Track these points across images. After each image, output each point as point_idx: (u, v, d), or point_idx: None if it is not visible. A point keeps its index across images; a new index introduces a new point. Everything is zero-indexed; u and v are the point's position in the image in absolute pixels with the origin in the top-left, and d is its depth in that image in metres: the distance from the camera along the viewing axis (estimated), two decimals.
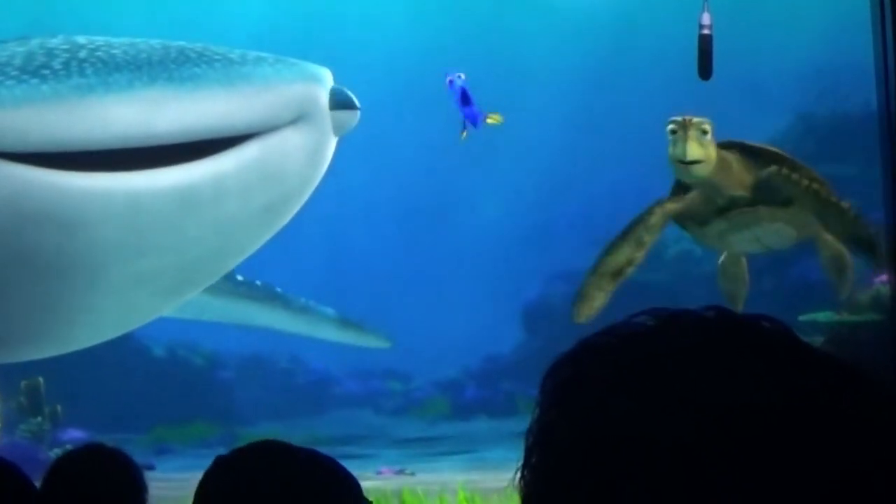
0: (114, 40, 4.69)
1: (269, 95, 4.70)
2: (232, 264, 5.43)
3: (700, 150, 5.73)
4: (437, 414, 15.34)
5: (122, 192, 4.49)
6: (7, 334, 5.17)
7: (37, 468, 3.02)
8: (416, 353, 16.38)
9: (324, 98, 4.91)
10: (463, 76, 5.84)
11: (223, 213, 4.76)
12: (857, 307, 8.66)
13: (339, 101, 4.93)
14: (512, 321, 16.19)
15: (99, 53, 4.52)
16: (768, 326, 0.97)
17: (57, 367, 9.22)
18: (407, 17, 18.88)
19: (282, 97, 4.75)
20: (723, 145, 5.95)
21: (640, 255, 6.11)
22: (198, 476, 2.09)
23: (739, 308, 6.55)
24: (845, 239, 6.04)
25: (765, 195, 5.96)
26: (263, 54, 4.87)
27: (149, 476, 3.00)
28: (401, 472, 10.37)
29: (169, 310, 5.61)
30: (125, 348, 13.08)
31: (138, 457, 3.04)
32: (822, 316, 8.90)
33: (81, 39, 4.68)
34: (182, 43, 4.75)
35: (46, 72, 4.41)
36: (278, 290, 7.93)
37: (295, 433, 12.65)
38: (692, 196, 6.04)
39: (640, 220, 6.05)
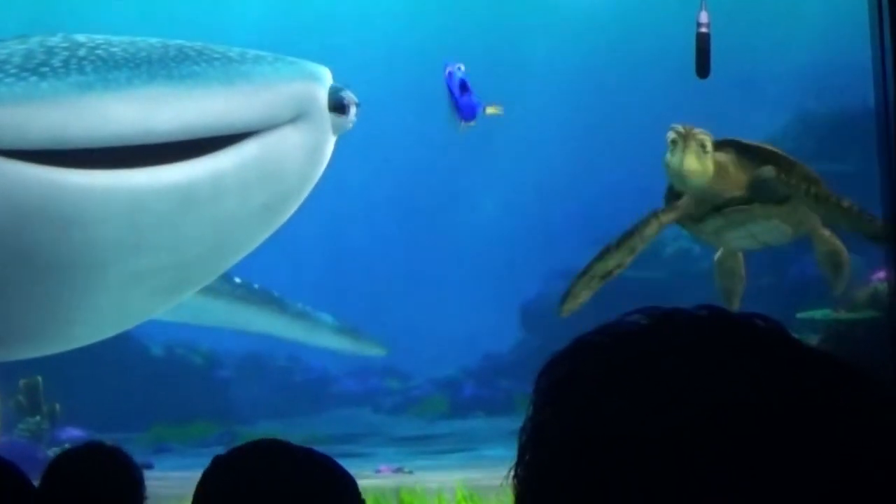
0: (113, 38, 4.70)
1: (268, 94, 4.69)
2: (230, 262, 5.43)
3: (697, 163, 5.76)
4: (436, 412, 15.34)
5: (121, 190, 4.49)
6: (5, 332, 5.17)
7: (35, 467, 3.02)
8: (415, 352, 16.38)
9: (323, 97, 4.91)
10: (462, 67, 5.83)
11: (222, 211, 4.76)
12: (855, 305, 8.67)
13: (336, 104, 4.93)
14: (510, 320, 16.19)
15: (98, 51, 4.53)
16: (762, 325, 0.97)
17: (55, 366, 9.22)
18: (406, 14, 18.88)
19: (281, 95, 4.75)
20: (718, 144, 5.96)
21: (629, 260, 6.15)
22: (196, 475, 2.09)
23: (736, 304, 6.56)
24: (860, 235, 6.05)
25: (760, 194, 5.97)
26: (263, 53, 4.87)
27: (147, 475, 3.01)
28: (399, 470, 10.37)
29: (167, 308, 5.60)
30: (124, 347, 13.09)
31: (137, 456, 3.04)
32: (820, 313, 8.91)
33: (81, 38, 4.68)
34: (181, 41, 4.75)
35: (46, 69, 4.41)
36: (275, 294, 7.90)
37: (294, 432, 12.65)
38: (686, 201, 6.06)
39: (635, 231, 6.06)
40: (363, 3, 19.18)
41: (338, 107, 4.96)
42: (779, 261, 12.11)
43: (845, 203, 5.99)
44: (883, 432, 0.92)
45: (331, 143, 5.08)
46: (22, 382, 11.04)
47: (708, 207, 6.03)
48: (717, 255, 6.72)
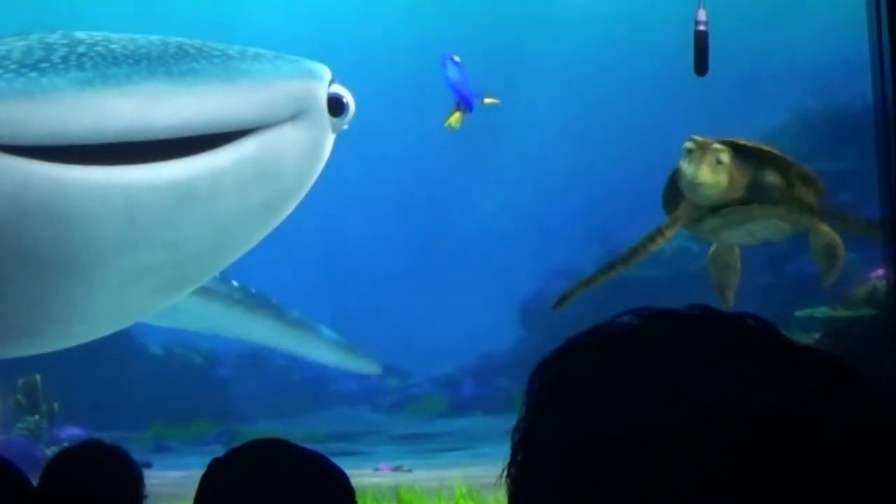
0: (112, 36, 4.70)
1: (267, 91, 4.69)
2: (229, 260, 5.43)
3: (711, 176, 5.78)
4: (435, 411, 15.35)
5: (120, 186, 4.49)
6: (2, 329, 5.17)
7: (34, 466, 3.02)
8: (414, 351, 16.39)
9: (322, 95, 4.91)
10: (457, 58, 5.83)
11: (221, 208, 4.76)
12: (853, 303, 8.68)
13: (335, 105, 4.92)
14: (509, 319, 16.20)
15: (98, 48, 4.53)
16: (753, 324, 0.98)
17: (54, 364, 9.22)
18: (406, 11, 18.88)
19: (280, 93, 4.75)
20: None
21: (627, 269, 6.19)
22: (195, 474, 2.09)
23: (730, 297, 6.57)
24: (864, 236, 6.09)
25: (758, 195, 5.97)
26: (262, 51, 4.87)
27: (146, 473, 3.00)
28: (398, 468, 10.38)
29: (166, 305, 5.60)
30: (123, 346, 13.09)
31: (136, 455, 3.04)
32: (818, 311, 8.92)
33: (80, 35, 4.69)
34: (181, 39, 4.75)
35: (45, 65, 4.41)
36: (273, 300, 7.84)
37: (293, 430, 12.65)
38: (685, 209, 6.06)
39: (642, 247, 6.07)
40: (362, 1, 19.18)
41: (336, 106, 4.96)
42: (777, 259, 12.12)
43: (839, 213, 6.01)
44: (875, 431, 0.92)
45: (330, 141, 5.08)
46: (21, 381, 11.04)
47: (706, 209, 6.04)
48: (712, 249, 6.73)
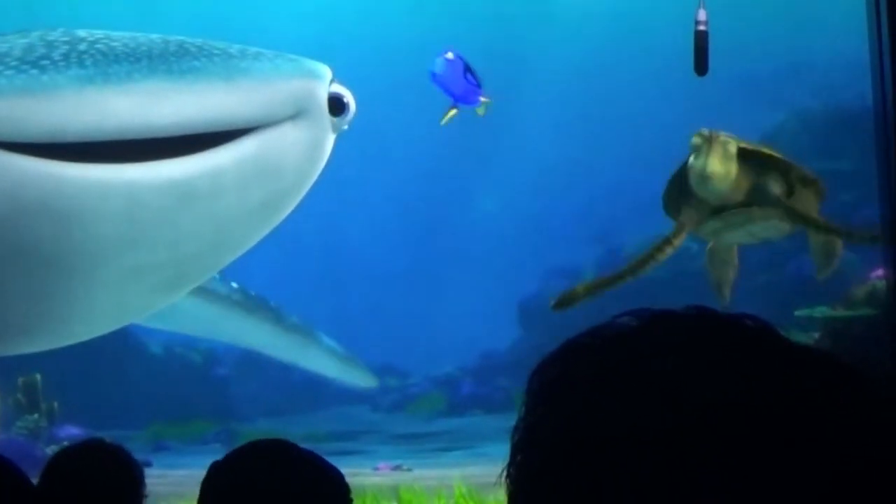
0: (113, 34, 4.70)
1: (267, 90, 4.69)
2: (228, 259, 5.42)
3: (721, 167, 5.75)
4: (434, 410, 15.35)
5: (120, 185, 4.49)
6: (2, 327, 5.17)
7: (33, 465, 3.02)
8: (413, 350, 16.40)
9: (323, 94, 4.90)
10: (450, 55, 5.81)
11: (220, 207, 4.75)
12: (853, 302, 8.68)
13: (335, 105, 4.92)
14: (509, 318, 16.20)
15: (99, 46, 4.52)
16: (751, 325, 0.98)
17: (54, 363, 9.22)
18: (406, 11, 18.88)
19: (281, 92, 4.74)
20: None
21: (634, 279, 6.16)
22: (195, 473, 2.10)
23: (727, 293, 6.57)
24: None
25: (759, 198, 5.97)
26: (263, 50, 4.87)
27: (146, 472, 3.01)
28: (398, 468, 10.38)
29: (165, 303, 5.60)
30: (122, 345, 13.09)
31: (135, 454, 3.04)
32: (818, 311, 8.92)
33: (82, 33, 4.69)
34: (182, 37, 4.75)
35: (46, 62, 4.41)
36: (272, 303, 7.78)
37: (292, 429, 12.66)
38: (687, 215, 6.05)
39: (650, 258, 6.05)
40: (362, 1, 19.18)
41: (336, 106, 4.96)
42: (777, 258, 12.12)
43: (837, 229, 6.01)
44: (875, 431, 0.93)
45: (330, 140, 5.08)
46: (20, 380, 11.04)
47: (708, 212, 6.04)
48: (710, 245, 6.73)
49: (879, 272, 7.81)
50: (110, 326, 5.69)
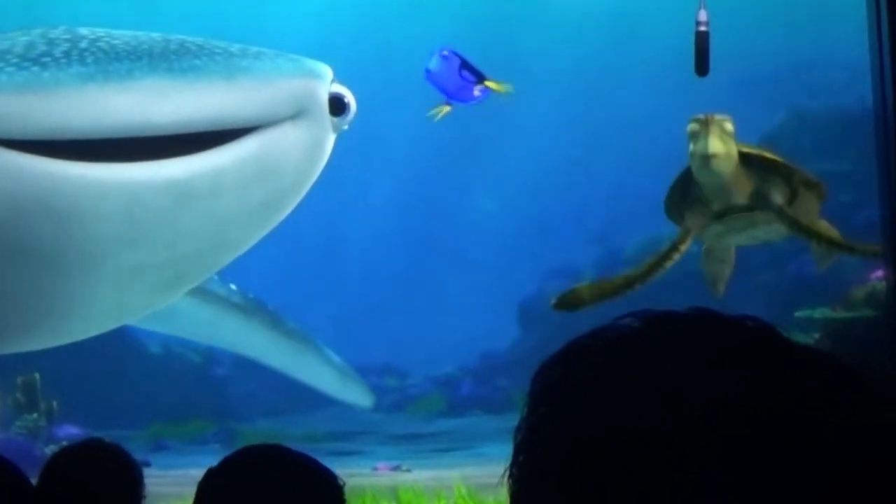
0: (115, 32, 4.70)
1: (268, 90, 4.68)
2: (228, 259, 5.42)
3: (722, 146, 5.72)
4: (433, 410, 15.35)
5: (120, 184, 4.49)
6: (0, 325, 5.17)
7: (32, 465, 3.01)
8: (413, 350, 16.40)
9: (324, 94, 4.90)
10: (446, 52, 5.80)
11: (220, 207, 4.75)
12: (853, 303, 8.69)
13: (336, 105, 4.91)
14: (508, 318, 16.20)
15: (100, 44, 4.52)
16: (753, 326, 0.98)
17: (53, 363, 9.23)
18: (404, 10, 18.88)
19: (281, 92, 4.74)
20: None
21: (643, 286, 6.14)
22: (194, 472, 2.10)
23: (721, 288, 6.58)
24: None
25: (762, 204, 5.96)
26: (264, 49, 4.87)
27: (145, 472, 3.00)
28: (397, 468, 10.37)
29: (164, 303, 5.59)
30: (121, 345, 13.09)
31: (134, 453, 3.04)
32: (818, 312, 8.93)
33: (83, 31, 4.69)
34: (183, 36, 4.75)
35: (48, 59, 4.41)
36: (270, 307, 7.72)
37: (291, 429, 12.67)
38: (691, 220, 6.05)
39: (658, 265, 6.03)
40: (362, 1, 19.18)
41: (337, 106, 4.95)
42: (777, 259, 12.13)
43: (839, 243, 6.01)
44: (875, 432, 0.93)
45: (331, 140, 5.07)
46: (19, 380, 11.05)
47: (711, 215, 6.03)
48: (707, 244, 6.73)
49: (879, 273, 7.81)
50: (109, 325, 5.69)
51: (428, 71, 5.75)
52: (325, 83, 4.93)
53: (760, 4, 17.69)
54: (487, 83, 5.80)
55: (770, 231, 6.25)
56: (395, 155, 18.87)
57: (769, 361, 0.95)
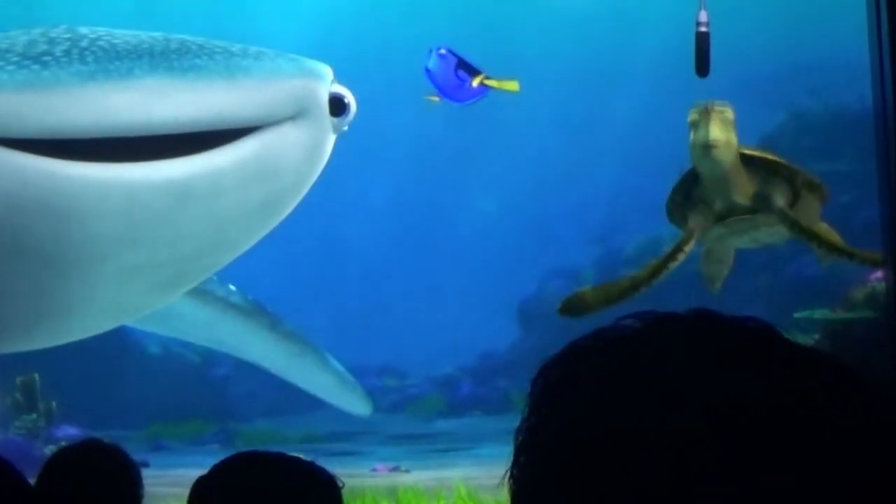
0: (115, 31, 4.70)
1: (268, 90, 4.68)
2: (227, 259, 5.42)
3: (722, 133, 5.70)
4: (433, 411, 15.36)
5: (120, 184, 4.49)
6: (0, 324, 5.17)
7: (31, 465, 3.01)
8: (412, 351, 16.40)
9: (324, 95, 4.89)
10: (443, 51, 5.81)
11: (220, 207, 4.75)
12: (852, 304, 8.69)
13: (336, 105, 4.91)
14: (508, 319, 16.21)
15: (100, 42, 4.52)
16: (754, 327, 0.98)
17: (52, 363, 9.22)
18: (404, 10, 18.88)
19: (282, 92, 4.74)
20: None
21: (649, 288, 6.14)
22: (193, 473, 2.10)
23: (718, 287, 6.58)
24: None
25: (764, 206, 5.96)
26: (265, 49, 4.87)
27: (144, 473, 3.00)
28: (396, 468, 10.37)
29: (164, 303, 5.59)
30: (121, 345, 13.10)
31: (133, 454, 3.04)
32: (818, 313, 8.93)
33: (83, 30, 4.68)
34: (183, 36, 4.75)
35: (48, 58, 4.41)
36: (269, 308, 7.68)
37: (290, 430, 12.67)
38: (695, 221, 6.04)
39: (663, 267, 6.02)
40: (362, 1, 19.18)
41: (337, 106, 4.95)
42: (776, 260, 12.13)
43: (842, 248, 6.00)
44: (876, 432, 0.93)
45: (331, 141, 5.07)
46: (18, 380, 11.05)
47: (714, 217, 6.03)
48: (707, 244, 6.73)
49: (879, 274, 7.81)
50: (108, 325, 5.69)
51: (428, 70, 5.77)
52: (326, 83, 4.92)
53: (760, 5, 17.70)
54: (489, 82, 5.81)
55: (772, 234, 6.24)
56: (394, 155, 18.87)
57: (769, 362, 0.95)
